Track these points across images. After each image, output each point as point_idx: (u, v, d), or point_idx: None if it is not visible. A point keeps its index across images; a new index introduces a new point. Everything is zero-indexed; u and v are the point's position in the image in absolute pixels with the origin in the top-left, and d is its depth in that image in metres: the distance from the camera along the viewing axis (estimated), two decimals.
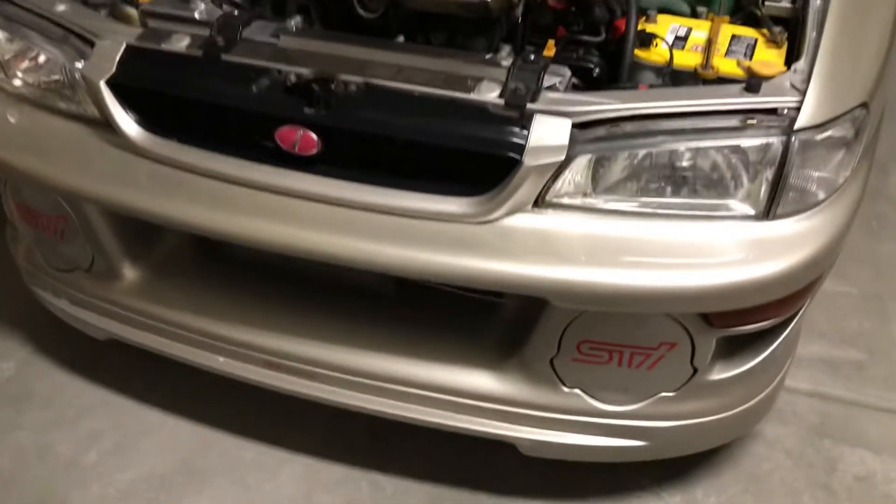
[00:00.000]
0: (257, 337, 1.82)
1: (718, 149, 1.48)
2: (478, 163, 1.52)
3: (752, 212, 1.51)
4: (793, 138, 1.45)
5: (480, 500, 1.90)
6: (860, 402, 2.11)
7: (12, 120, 1.82)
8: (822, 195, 1.53)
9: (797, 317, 1.70)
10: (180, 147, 1.67)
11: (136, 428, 2.06)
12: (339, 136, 1.56)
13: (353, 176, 1.59)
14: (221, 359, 1.86)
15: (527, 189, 1.49)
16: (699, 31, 1.71)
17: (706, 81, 1.62)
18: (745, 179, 1.50)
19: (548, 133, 1.48)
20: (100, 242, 1.87)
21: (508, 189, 1.49)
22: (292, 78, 1.59)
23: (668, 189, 1.52)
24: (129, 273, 1.92)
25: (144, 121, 1.69)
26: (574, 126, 1.48)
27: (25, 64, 1.83)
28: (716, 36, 1.68)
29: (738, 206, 1.51)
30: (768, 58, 1.62)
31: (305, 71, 1.59)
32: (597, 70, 1.68)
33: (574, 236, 1.52)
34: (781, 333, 1.69)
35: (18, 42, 1.81)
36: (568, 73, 1.60)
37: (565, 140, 1.47)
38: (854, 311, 2.34)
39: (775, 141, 1.46)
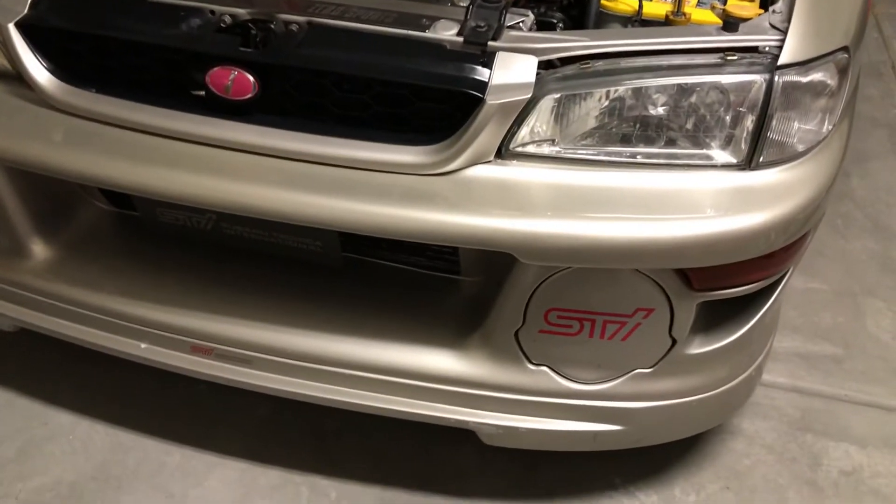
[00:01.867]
0: (182, 318, 1.61)
1: (697, 87, 1.35)
2: (435, 105, 1.38)
3: (733, 160, 1.38)
4: (776, 77, 1.34)
5: (436, 503, 1.69)
6: (840, 396, 1.98)
7: None
8: (804, 146, 1.42)
9: (780, 286, 1.57)
10: (100, 98, 1.49)
11: (43, 432, 1.81)
12: (279, 76, 1.40)
13: (294, 124, 1.43)
14: (143, 345, 1.64)
15: (490, 132, 1.34)
16: None
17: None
18: (725, 124, 1.37)
19: (512, 70, 1.34)
20: (6, 216, 1.66)
21: (470, 132, 1.34)
22: (227, 19, 1.45)
23: (643, 136, 1.38)
24: (40, 251, 1.71)
25: (59, 70, 1.51)
26: (541, 65, 1.35)
27: None
28: None
29: (719, 154, 1.38)
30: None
31: (241, 11, 1.45)
32: (560, 26, 1.56)
33: (541, 187, 1.37)
34: (764, 304, 1.55)
35: None
36: (531, 15, 1.47)
37: (531, 77, 1.34)
38: (826, 307, 2.22)
39: (758, 79, 1.34)
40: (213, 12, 1.46)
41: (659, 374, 1.51)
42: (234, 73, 1.40)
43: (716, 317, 1.52)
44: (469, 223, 1.33)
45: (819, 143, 1.44)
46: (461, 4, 1.47)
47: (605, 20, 1.57)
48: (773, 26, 1.39)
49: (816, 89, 1.39)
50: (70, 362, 1.93)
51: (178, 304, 1.61)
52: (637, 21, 1.54)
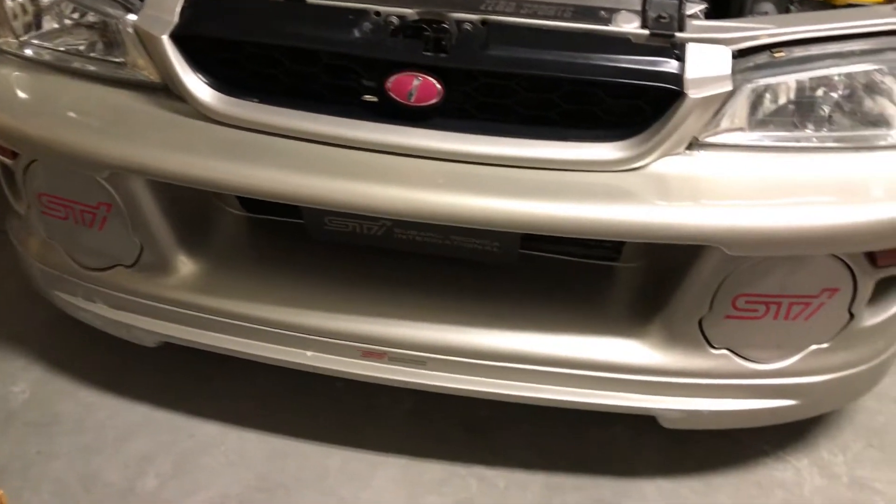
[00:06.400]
0: (353, 324, 1.59)
1: (886, 70, 1.36)
2: (627, 100, 1.36)
3: None
4: None
5: (601, 484, 1.73)
6: None
7: (40, 90, 1.55)
8: None
9: None
10: (265, 108, 1.44)
11: (192, 445, 1.78)
12: (465, 80, 1.38)
13: (475, 127, 1.41)
14: (310, 353, 1.62)
15: (689, 126, 1.35)
16: None
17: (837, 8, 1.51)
18: None
19: (706, 62, 1.34)
20: (151, 232, 1.61)
21: (669, 126, 1.34)
22: (394, 20, 1.40)
23: (831, 120, 1.40)
24: (185, 265, 1.66)
25: (217, 80, 1.46)
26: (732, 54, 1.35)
27: (50, 25, 1.57)
28: None
29: None
30: None
31: (408, 11, 1.40)
32: (704, 5, 1.55)
33: (736, 177, 1.38)
34: None
35: None
36: (701, 3, 1.46)
37: (727, 69, 1.34)
38: None
39: None
40: (377, 13, 1.41)
41: (834, 349, 1.55)
42: (419, 80, 1.37)
43: (881, 291, 1.56)
44: (676, 220, 1.33)
45: None
46: None
47: (757, 1, 1.57)
48: None
49: None
50: (203, 375, 1.90)
51: (346, 310, 1.60)
52: (796, 2, 1.54)
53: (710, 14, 1.51)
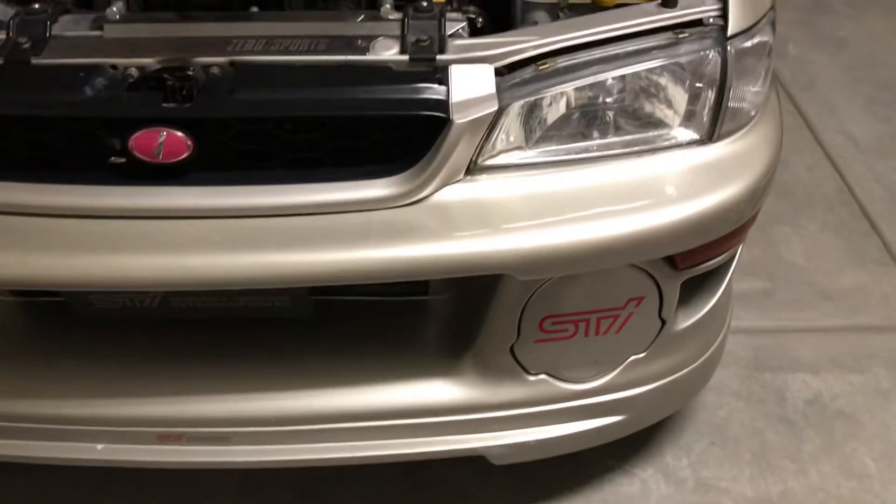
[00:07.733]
0: (141, 407, 1.43)
1: (656, 70, 1.33)
2: (394, 132, 1.28)
3: (696, 136, 1.37)
4: (728, 47, 1.34)
5: None
6: (782, 328, 2.07)
7: None
8: (755, 109, 1.44)
9: (740, 249, 1.60)
10: (2, 185, 1.28)
11: None
12: (215, 130, 1.25)
13: (240, 178, 1.29)
14: (100, 446, 1.45)
15: (460, 152, 1.26)
16: None
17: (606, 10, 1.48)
18: (685, 101, 1.36)
19: (470, 83, 1.26)
20: None
21: (441, 155, 1.26)
22: (133, 72, 1.27)
23: (609, 127, 1.35)
24: None
25: None
26: (497, 72, 1.28)
27: None
28: None
29: (682, 132, 1.37)
30: None
31: (148, 61, 1.27)
32: (480, 20, 1.49)
33: (521, 198, 1.31)
34: (730, 268, 1.59)
35: None
36: (463, 19, 1.40)
37: (492, 88, 1.26)
38: None
39: (712, 53, 1.33)
40: (114, 67, 1.28)
41: (652, 357, 1.50)
42: (163, 134, 1.24)
43: (692, 288, 1.53)
44: (460, 251, 1.25)
45: (764, 102, 1.46)
46: (390, 17, 1.37)
47: (528, 10, 1.52)
48: None
49: (760, 50, 1.41)
50: None
51: (132, 392, 1.44)
52: (566, 8, 1.49)
53: (483, 28, 1.46)
